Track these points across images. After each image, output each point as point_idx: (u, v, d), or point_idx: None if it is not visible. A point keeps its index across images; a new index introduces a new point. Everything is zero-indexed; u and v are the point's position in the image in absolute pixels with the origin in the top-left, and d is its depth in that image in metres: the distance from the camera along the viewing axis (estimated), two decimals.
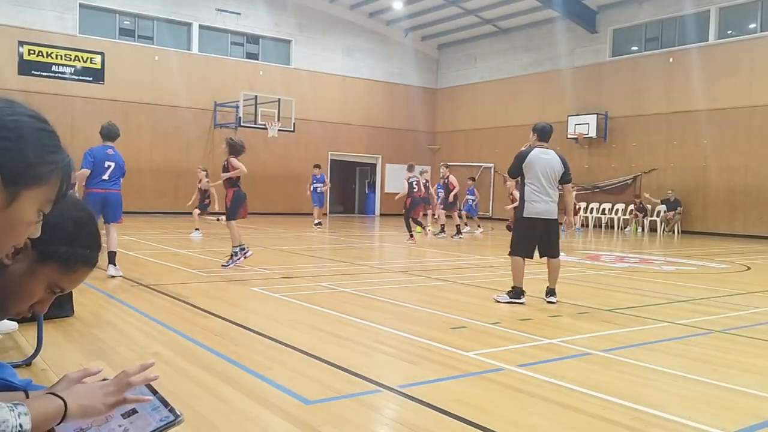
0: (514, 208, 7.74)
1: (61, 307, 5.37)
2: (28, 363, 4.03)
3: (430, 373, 4.16)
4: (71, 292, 5.48)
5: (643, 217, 20.95)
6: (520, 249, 6.90)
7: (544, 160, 6.88)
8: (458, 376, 4.08)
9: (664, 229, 20.34)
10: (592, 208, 22.59)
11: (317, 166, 19.69)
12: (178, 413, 1.20)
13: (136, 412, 1.22)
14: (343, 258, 11.41)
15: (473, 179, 20.36)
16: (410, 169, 15.27)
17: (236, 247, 9.21)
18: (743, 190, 19.24)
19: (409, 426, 3.21)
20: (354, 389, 3.76)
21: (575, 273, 9.66)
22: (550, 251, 6.96)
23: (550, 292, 6.91)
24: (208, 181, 15.89)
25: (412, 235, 14.55)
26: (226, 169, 9.64)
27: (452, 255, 12.51)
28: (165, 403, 1.22)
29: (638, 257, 12.55)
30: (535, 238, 6.89)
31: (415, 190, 14.88)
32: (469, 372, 4.17)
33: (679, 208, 20.17)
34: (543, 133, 7.07)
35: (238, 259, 9.16)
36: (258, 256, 11.36)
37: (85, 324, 5.31)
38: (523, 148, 7.14)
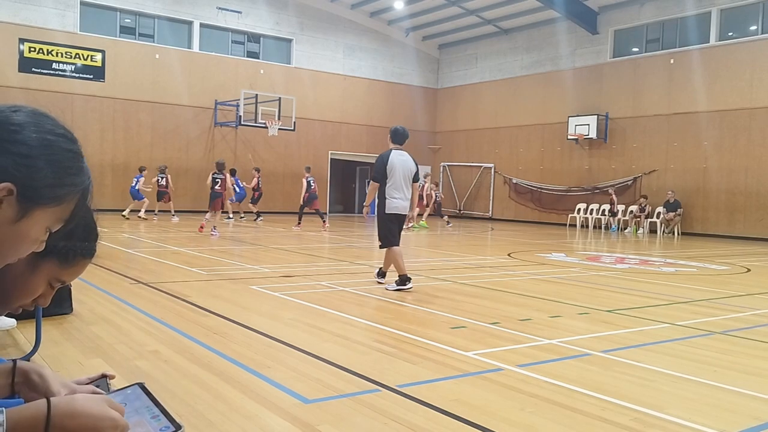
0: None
1: (60, 305, 5.36)
2: (26, 360, 4.02)
3: (429, 372, 4.15)
4: (70, 289, 5.48)
5: (645, 218, 20.94)
6: (391, 240, 7.63)
7: (402, 161, 7.61)
8: (457, 376, 4.07)
9: (664, 231, 20.34)
10: (591, 209, 22.59)
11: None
12: (180, 424, 1.18)
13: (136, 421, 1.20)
14: (342, 257, 11.40)
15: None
16: (308, 170, 17.98)
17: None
18: (743, 191, 19.23)
19: (407, 425, 3.20)
20: (353, 388, 3.75)
21: (575, 274, 9.66)
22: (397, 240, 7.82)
23: (407, 278, 7.49)
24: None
25: (299, 223, 17.61)
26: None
27: (452, 255, 12.51)
28: (166, 413, 1.21)
29: (638, 258, 12.55)
30: (396, 229, 7.68)
31: (311, 188, 17.52)
32: (468, 372, 4.16)
33: (679, 209, 20.17)
34: (398, 136, 7.71)
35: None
36: (258, 255, 11.36)
37: (84, 321, 5.31)
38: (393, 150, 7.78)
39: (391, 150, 7.66)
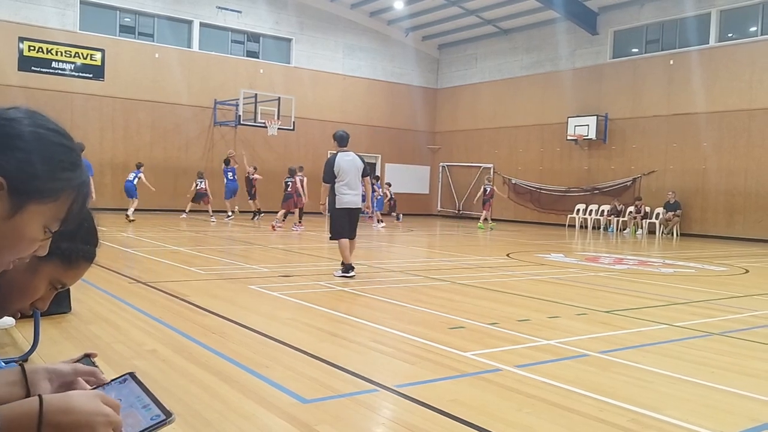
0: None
1: (59, 304, 5.36)
2: (24, 359, 4.02)
3: (427, 373, 4.15)
4: (69, 288, 5.48)
5: (642, 219, 20.94)
6: (342, 233, 8.38)
7: (348, 161, 8.45)
8: (455, 377, 4.08)
9: (663, 232, 20.35)
10: (591, 210, 22.60)
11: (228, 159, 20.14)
12: (170, 412, 1.18)
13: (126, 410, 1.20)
14: (341, 257, 11.39)
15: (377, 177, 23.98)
16: (291, 172, 18.31)
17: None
18: (742, 193, 19.24)
19: (405, 425, 3.20)
20: (351, 388, 3.75)
21: (573, 274, 9.66)
22: (353, 234, 8.51)
23: (350, 267, 8.29)
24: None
25: (300, 222, 17.91)
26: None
27: (451, 255, 12.51)
28: (157, 402, 1.20)
29: (637, 259, 12.55)
30: (347, 223, 8.41)
31: (288, 189, 17.89)
32: (466, 372, 4.16)
33: (678, 210, 20.17)
34: (341, 140, 8.62)
35: None
36: (257, 255, 11.36)
37: (82, 320, 5.31)
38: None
39: (337, 153, 8.51)
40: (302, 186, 17.66)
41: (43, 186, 1.05)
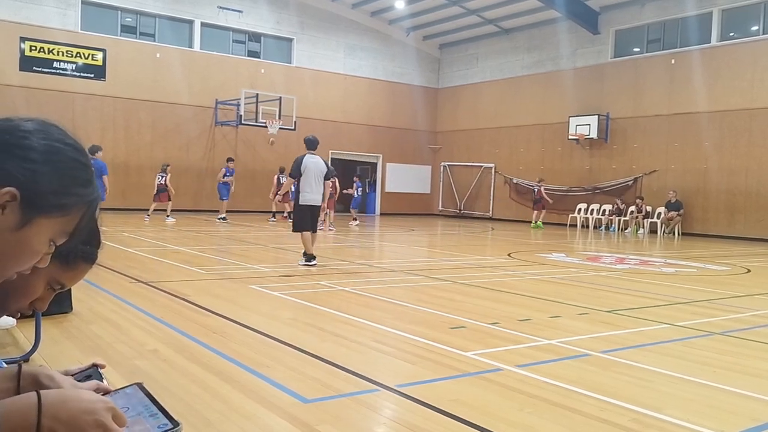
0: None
1: (60, 304, 5.36)
2: (26, 359, 4.02)
3: (428, 372, 4.15)
4: (70, 288, 5.48)
5: (643, 218, 20.93)
6: (303, 226, 9.40)
7: (313, 163, 9.51)
8: (456, 376, 4.07)
9: (664, 231, 20.33)
10: (592, 209, 22.58)
11: (230, 159, 20.26)
12: (177, 422, 1.19)
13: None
14: (342, 257, 11.40)
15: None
16: (282, 171, 19.12)
17: None
18: (744, 192, 19.22)
19: (406, 425, 3.20)
20: (352, 388, 3.75)
21: (575, 274, 9.66)
22: (314, 228, 9.50)
23: (312, 257, 9.30)
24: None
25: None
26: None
27: (452, 255, 12.50)
28: (164, 411, 1.21)
29: (638, 259, 12.54)
30: (308, 218, 9.40)
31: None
32: (467, 372, 4.16)
33: (681, 209, 20.15)
34: (310, 144, 9.68)
35: None
36: (257, 254, 11.36)
37: (84, 320, 5.31)
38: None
39: (305, 154, 9.56)
40: (335, 188, 17.68)
41: (54, 200, 1.04)
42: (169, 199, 18.67)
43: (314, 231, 9.52)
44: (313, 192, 9.44)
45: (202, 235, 14.39)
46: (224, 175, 19.62)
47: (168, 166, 18.78)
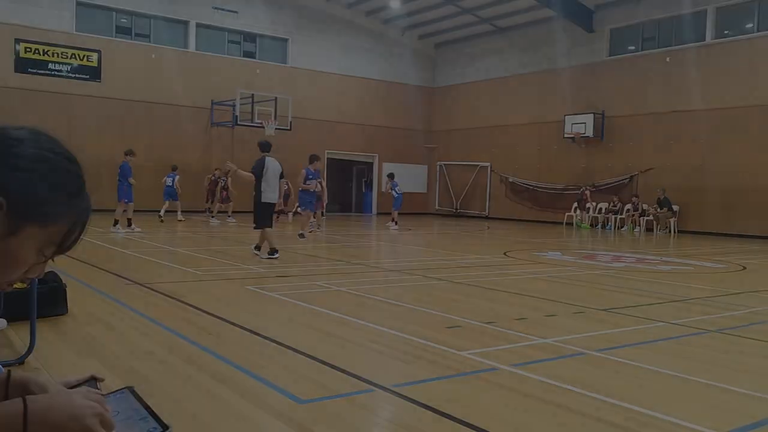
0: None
1: (55, 305, 5.35)
2: (21, 361, 4.01)
3: (424, 372, 4.15)
4: (65, 290, 5.47)
5: (639, 216, 20.95)
6: (265, 223, 10.26)
7: (272, 164, 10.43)
8: (452, 376, 4.07)
9: (659, 229, 20.35)
10: (588, 208, 22.59)
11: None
12: (167, 425, 1.18)
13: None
14: (339, 257, 11.40)
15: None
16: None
17: None
18: (739, 189, 19.25)
19: (402, 425, 3.20)
20: (347, 389, 3.75)
21: (571, 272, 9.66)
22: (271, 224, 10.44)
23: (258, 247, 10.35)
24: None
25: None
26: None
27: (448, 254, 12.51)
28: (154, 415, 1.21)
29: (634, 257, 12.56)
30: (269, 215, 10.35)
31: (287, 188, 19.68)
32: (463, 371, 4.16)
33: (670, 207, 20.16)
34: (266, 147, 10.69)
35: None
36: (253, 255, 11.34)
37: (79, 322, 5.29)
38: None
39: (265, 156, 10.45)
40: (289, 187, 17.47)
41: (43, 210, 1.03)
42: (229, 201, 19.58)
43: (270, 226, 10.36)
44: (273, 191, 10.40)
45: (198, 236, 14.37)
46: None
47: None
